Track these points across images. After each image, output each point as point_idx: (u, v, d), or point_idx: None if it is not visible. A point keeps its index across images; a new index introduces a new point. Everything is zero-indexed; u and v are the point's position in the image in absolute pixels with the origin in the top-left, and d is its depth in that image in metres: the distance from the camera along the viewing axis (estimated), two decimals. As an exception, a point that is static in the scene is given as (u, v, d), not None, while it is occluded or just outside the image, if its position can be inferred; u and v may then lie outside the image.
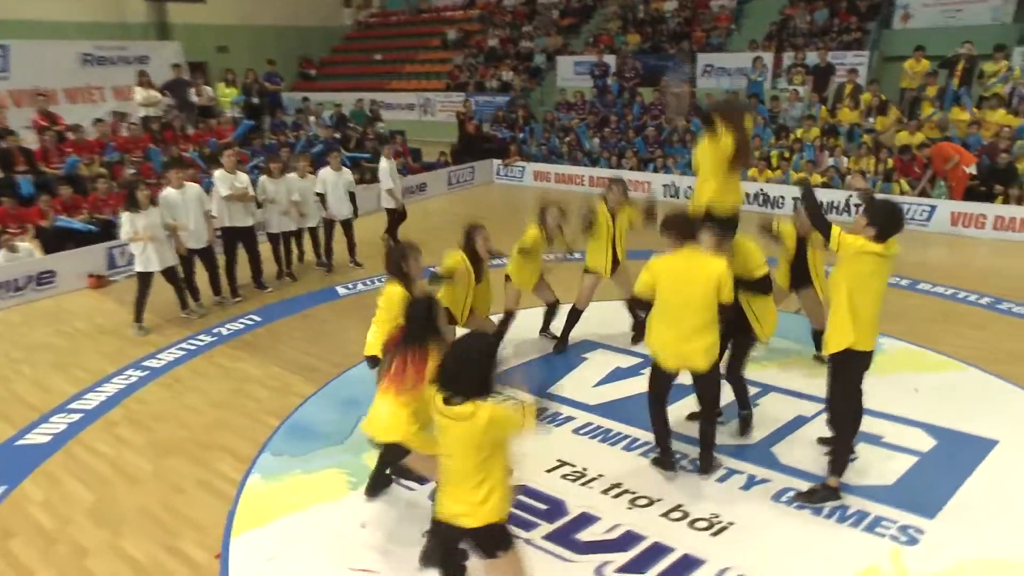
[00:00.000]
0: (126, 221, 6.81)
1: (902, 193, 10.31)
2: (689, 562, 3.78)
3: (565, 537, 4.01)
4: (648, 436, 4.69)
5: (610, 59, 17.47)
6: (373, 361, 4.38)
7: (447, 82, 21.04)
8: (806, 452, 4.70)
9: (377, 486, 4.38)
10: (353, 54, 25.24)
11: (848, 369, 3.97)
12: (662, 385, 4.37)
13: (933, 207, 9.96)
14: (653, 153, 13.37)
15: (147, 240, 6.84)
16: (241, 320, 7.46)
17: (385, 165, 9.37)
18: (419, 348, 3.50)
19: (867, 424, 4.33)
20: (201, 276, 7.72)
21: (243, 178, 7.96)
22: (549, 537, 4.00)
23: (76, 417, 5.52)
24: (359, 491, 4.44)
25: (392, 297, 4.21)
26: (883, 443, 4.75)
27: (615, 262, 6.20)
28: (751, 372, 5.15)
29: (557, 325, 6.51)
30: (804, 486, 4.31)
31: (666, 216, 4.25)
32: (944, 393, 5.43)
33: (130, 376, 6.22)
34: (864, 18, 15.11)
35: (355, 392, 5.69)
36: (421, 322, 3.52)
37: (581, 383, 5.82)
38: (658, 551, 3.86)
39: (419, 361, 3.48)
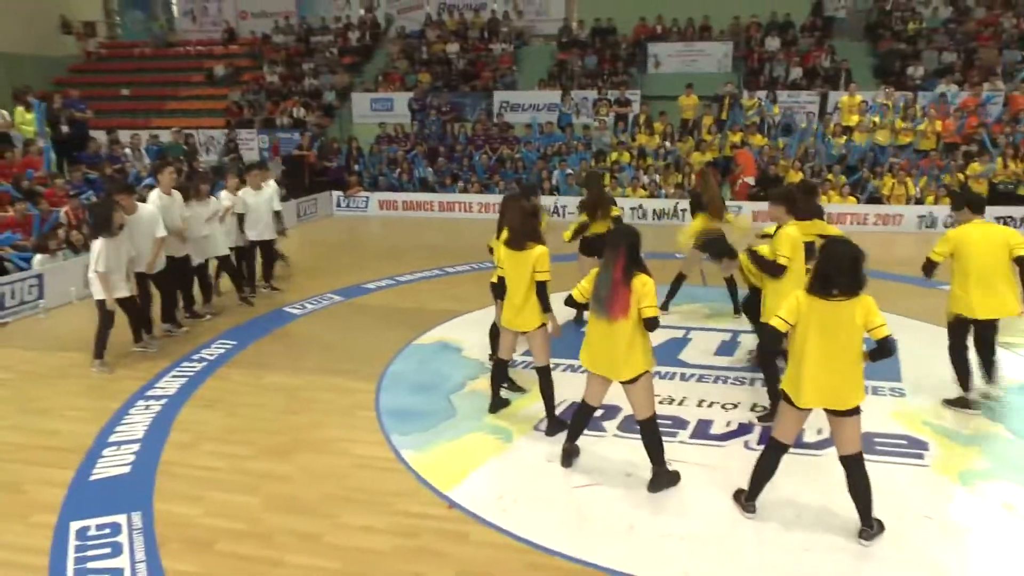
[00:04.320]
0: (101, 248, 6.16)
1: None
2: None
3: (703, 434, 5.09)
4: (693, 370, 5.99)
5: (402, 95, 18.63)
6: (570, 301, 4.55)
7: (227, 119, 20.19)
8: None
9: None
10: (86, 88, 22.59)
11: None
12: None
13: (740, 207, 12.84)
14: (492, 178, 14.78)
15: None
16: (214, 347, 7.04)
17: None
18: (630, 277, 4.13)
19: None
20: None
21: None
22: (694, 437, 5.05)
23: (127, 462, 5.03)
24: (515, 442, 4.99)
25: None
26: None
27: None
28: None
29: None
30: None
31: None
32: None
33: (149, 406, 5.69)
34: (626, 64, 18.41)
35: (413, 380, 6.07)
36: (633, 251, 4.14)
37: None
38: (767, 430, 5.11)
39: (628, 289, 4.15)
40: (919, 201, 12.82)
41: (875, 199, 13.06)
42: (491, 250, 5.61)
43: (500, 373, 5.47)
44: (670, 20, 19.32)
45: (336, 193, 14.93)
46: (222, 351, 6.90)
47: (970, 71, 16.01)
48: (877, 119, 14.25)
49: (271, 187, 8.78)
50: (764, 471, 4.04)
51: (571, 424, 4.67)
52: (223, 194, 8.32)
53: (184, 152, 14.16)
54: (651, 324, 4.14)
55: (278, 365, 6.54)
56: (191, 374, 6.32)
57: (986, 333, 5.47)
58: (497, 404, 5.44)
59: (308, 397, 5.83)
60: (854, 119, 14.41)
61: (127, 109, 21.17)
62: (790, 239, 4.98)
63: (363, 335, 7.33)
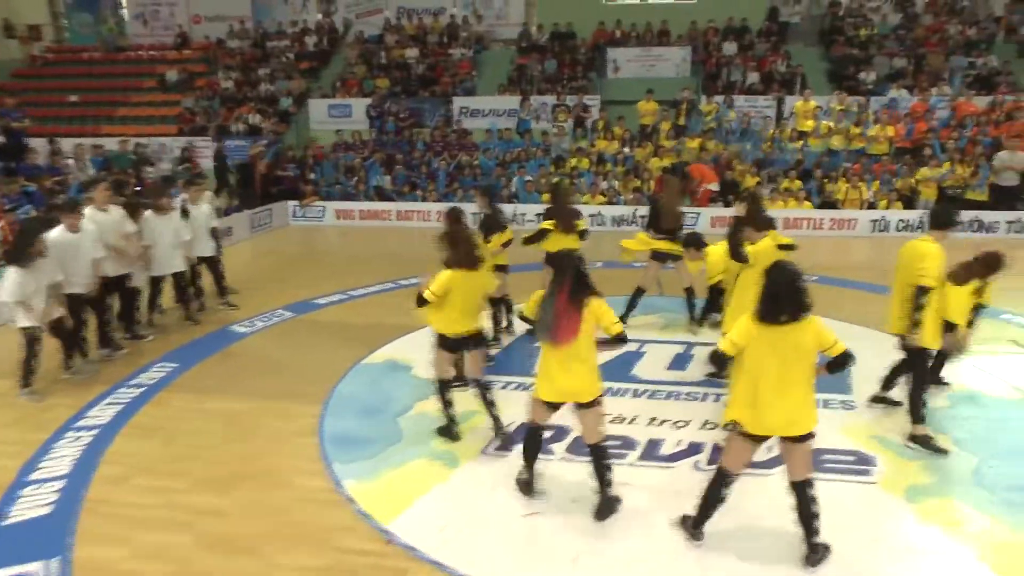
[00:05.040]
0: (14, 277, 5.88)
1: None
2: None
3: (652, 455, 5.02)
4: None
5: (360, 101, 18.38)
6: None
7: (179, 127, 19.72)
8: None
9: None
10: (32, 94, 21.84)
11: None
12: None
13: (698, 213, 12.86)
14: (451, 186, 14.62)
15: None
16: (154, 370, 6.77)
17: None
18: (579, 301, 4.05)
19: None
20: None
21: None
22: (643, 458, 4.96)
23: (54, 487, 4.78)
24: (460, 467, 4.86)
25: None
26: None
27: None
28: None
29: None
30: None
31: None
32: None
33: (79, 437, 5.43)
34: (585, 68, 18.41)
35: (361, 402, 5.91)
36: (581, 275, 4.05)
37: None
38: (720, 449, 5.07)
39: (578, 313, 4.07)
40: (872, 205, 13.01)
41: (830, 204, 13.22)
42: None
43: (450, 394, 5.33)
44: (629, 25, 19.38)
45: (292, 203, 14.61)
46: (163, 374, 6.63)
47: (919, 76, 16.33)
48: (832, 124, 14.43)
49: (208, 202, 8.53)
50: (712, 500, 3.96)
51: (524, 451, 4.54)
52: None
53: (132, 163, 13.75)
54: (621, 339, 4.16)
55: (221, 388, 6.31)
56: (128, 400, 6.05)
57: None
58: (445, 430, 5.29)
59: (251, 423, 5.62)
60: (809, 124, 14.59)
61: (76, 115, 20.53)
62: (768, 251, 5.15)
63: (312, 354, 7.12)
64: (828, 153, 14.17)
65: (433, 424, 5.34)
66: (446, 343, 5.05)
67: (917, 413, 5.09)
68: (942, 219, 5.10)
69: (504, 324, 7.34)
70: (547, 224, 7.03)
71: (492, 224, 6.78)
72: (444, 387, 5.17)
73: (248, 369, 6.79)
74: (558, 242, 7.00)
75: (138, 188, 12.50)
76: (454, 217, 5.52)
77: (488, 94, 18.52)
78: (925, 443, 5.02)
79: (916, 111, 14.64)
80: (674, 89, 16.77)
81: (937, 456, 4.94)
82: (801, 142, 14.44)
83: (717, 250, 6.04)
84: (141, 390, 6.27)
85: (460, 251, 4.86)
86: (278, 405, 5.91)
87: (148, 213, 7.54)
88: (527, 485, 4.50)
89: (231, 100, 20.04)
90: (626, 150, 14.78)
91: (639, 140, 15.30)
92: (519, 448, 4.62)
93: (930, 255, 4.89)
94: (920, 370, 5.15)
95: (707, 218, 12.85)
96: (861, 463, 4.89)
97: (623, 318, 7.74)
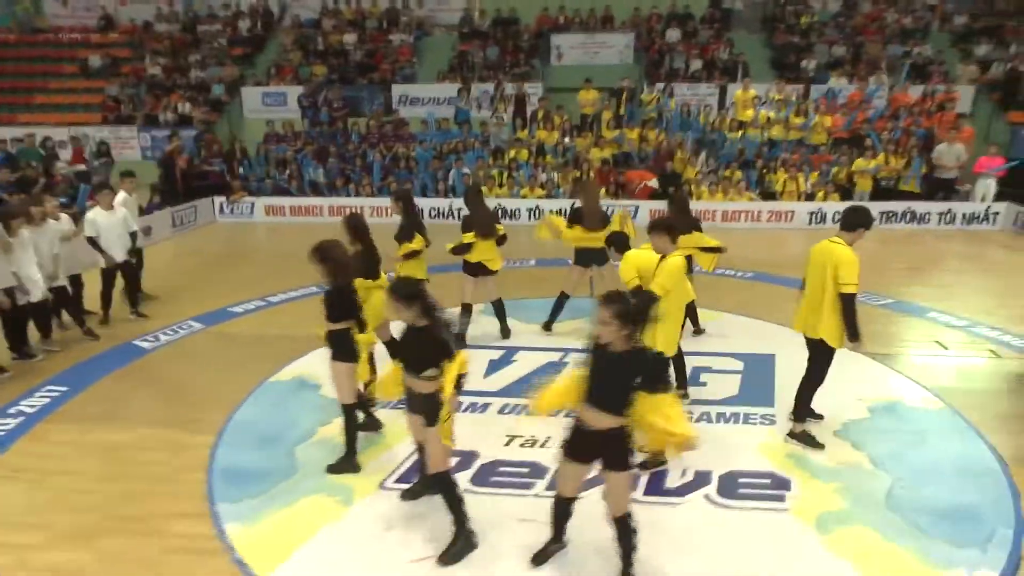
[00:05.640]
0: None
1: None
2: (659, 473, 4.86)
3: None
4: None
5: (297, 89, 17.68)
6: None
7: (104, 115, 18.72)
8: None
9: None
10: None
11: None
12: None
13: (637, 207, 12.64)
14: (385, 179, 14.11)
15: None
16: (39, 395, 6.24)
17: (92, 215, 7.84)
18: None
19: (703, 360, 6.05)
20: None
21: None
22: (551, 487, 4.68)
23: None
24: (355, 505, 4.53)
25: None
26: (715, 370, 6.48)
27: None
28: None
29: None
30: (690, 408, 5.73)
31: None
32: (725, 331, 7.45)
33: (-62, 480, 4.93)
34: (528, 55, 17.99)
35: (259, 430, 5.52)
36: None
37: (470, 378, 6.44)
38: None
39: None
40: (810, 197, 12.98)
41: (768, 195, 13.15)
42: None
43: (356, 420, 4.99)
44: (572, 11, 19.00)
45: (218, 199, 13.92)
46: (47, 400, 6.11)
47: (858, 65, 16.37)
48: (772, 114, 14.34)
49: (123, 205, 7.98)
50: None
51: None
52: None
53: (40, 157, 12.90)
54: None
55: (109, 416, 5.83)
56: (1, 435, 5.55)
57: None
58: (340, 465, 4.93)
59: (134, 458, 5.18)
60: (748, 114, 14.48)
61: (-11, 103, 19.32)
62: (677, 271, 4.86)
63: (215, 373, 6.67)
64: (768, 143, 14.09)
65: (334, 452, 4.99)
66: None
67: (802, 412, 5.19)
68: (855, 220, 4.87)
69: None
70: (468, 237, 6.87)
71: (402, 232, 6.44)
72: (350, 411, 4.82)
73: (142, 393, 6.32)
74: (481, 250, 6.97)
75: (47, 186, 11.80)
76: (351, 226, 5.46)
77: (429, 81, 18.01)
78: (804, 439, 5.19)
79: (853, 100, 14.65)
80: (617, 76, 16.49)
81: (816, 450, 5.08)
82: (741, 131, 14.33)
83: (633, 255, 5.76)
84: (19, 420, 5.76)
85: (327, 268, 4.63)
86: (168, 435, 5.47)
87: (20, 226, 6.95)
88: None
89: (159, 87, 19.08)
90: (567, 140, 14.45)
91: (579, 130, 15.00)
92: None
93: (848, 262, 4.71)
94: (821, 369, 5.06)
95: (646, 211, 12.66)
96: (776, 487, 4.71)
97: (547, 326, 7.51)
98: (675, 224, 5.16)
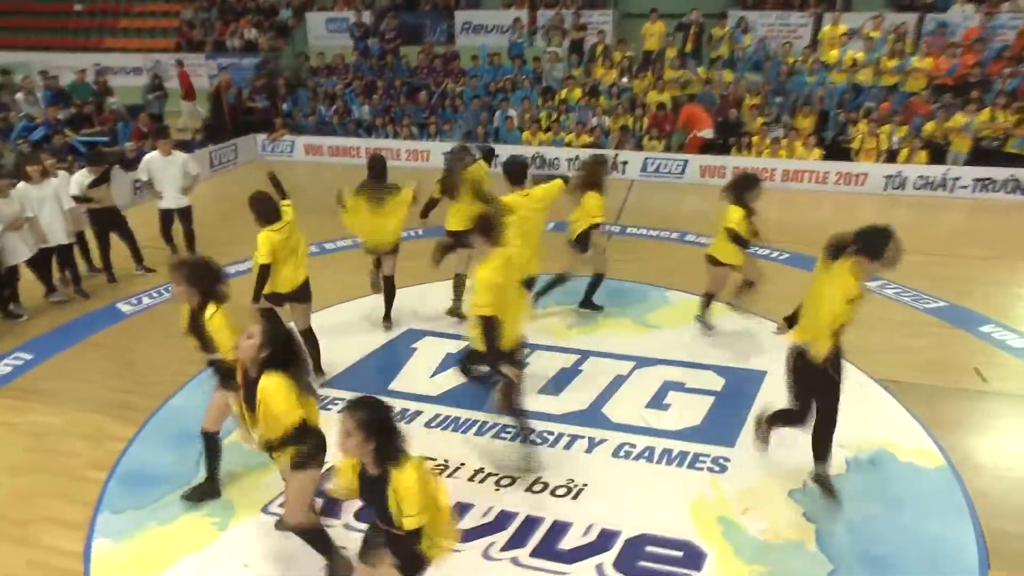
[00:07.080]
0: None
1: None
2: (560, 527, 4.30)
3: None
4: (494, 418, 5.15)
5: (366, 15, 17.03)
6: None
7: (177, 41, 18.94)
8: (631, 410, 5.48)
9: None
10: (31, 1, 21.21)
11: None
12: None
13: (685, 161, 11.47)
14: (428, 119, 13.51)
15: None
16: (4, 361, 6.41)
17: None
18: None
19: (679, 374, 5.30)
20: None
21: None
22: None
23: None
24: (229, 530, 4.31)
25: None
26: (686, 388, 5.70)
27: None
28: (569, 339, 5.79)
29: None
30: (636, 439, 5.07)
31: None
32: (722, 336, 6.56)
33: None
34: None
35: (185, 424, 5.34)
36: None
37: (417, 375, 6.05)
38: (531, 523, 4.34)
39: None
40: (892, 157, 11.24)
41: (841, 152, 11.51)
42: None
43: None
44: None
45: (260, 137, 13.85)
46: (8, 370, 6.26)
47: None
48: (860, 56, 12.38)
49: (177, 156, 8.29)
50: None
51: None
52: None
53: (94, 92, 13.19)
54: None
55: (54, 393, 5.89)
56: (-51, 406, 5.73)
57: None
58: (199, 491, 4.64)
59: (55, 447, 5.19)
60: (833, 54, 12.58)
61: (79, 27, 19.95)
62: (490, 285, 4.31)
63: (172, 348, 6.56)
64: (853, 89, 12.24)
65: (244, 457, 4.74)
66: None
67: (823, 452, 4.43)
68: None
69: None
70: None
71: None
72: (211, 439, 4.54)
73: (96, 368, 6.34)
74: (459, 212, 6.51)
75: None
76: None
77: (495, 8, 16.88)
78: (824, 484, 4.49)
79: (968, 37, 12.37)
80: (698, 2, 14.71)
81: (831, 500, 4.43)
82: (814, 77, 12.42)
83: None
84: (-28, 391, 5.94)
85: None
86: (95, 421, 5.45)
87: (21, 185, 7.05)
88: None
89: (230, 12, 19.02)
90: (624, 80, 13.13)
91: (640, 69, 13.61)
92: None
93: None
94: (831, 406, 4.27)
95: (695, 167, 11.45)
96: (686, 563, 4.04)
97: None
98: (490, 225, 4.47)
